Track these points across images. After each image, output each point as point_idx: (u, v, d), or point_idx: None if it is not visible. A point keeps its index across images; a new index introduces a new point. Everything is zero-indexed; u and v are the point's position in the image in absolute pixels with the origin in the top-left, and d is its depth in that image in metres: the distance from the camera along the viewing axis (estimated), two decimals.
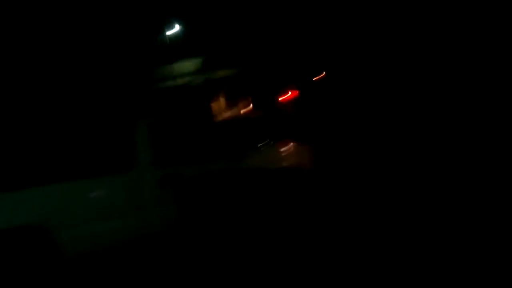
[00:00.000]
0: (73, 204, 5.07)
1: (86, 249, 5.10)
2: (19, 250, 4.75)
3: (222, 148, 6.08)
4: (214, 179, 5.79)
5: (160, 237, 5.50)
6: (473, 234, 4.72)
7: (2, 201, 4.76)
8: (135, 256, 5.47)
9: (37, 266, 4.81)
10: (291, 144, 6.87)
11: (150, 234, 5.44)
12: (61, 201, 5.02)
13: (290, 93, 26.21)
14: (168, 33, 27.47)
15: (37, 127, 5.37)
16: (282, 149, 6.79)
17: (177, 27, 27.70)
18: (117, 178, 5.37)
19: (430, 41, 14.12)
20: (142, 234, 5.40)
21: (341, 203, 6.75)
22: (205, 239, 5.64)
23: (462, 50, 12.92)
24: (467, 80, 11.70)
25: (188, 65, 31.30)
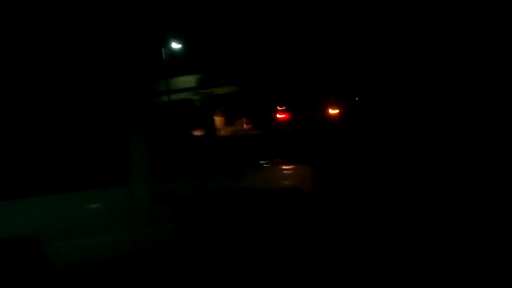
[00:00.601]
0: (65, 216, 4.92)
1: (76, 262, 4.93)
2: (9, 261, 4.56)
3: (219, 165, 5.94)
4: (209, 197, 5.64)
5: (154, 253, 5.34)
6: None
7: None
8: (128, 272, 5.32)
9: (26, 277, 4.62)
10: (290, 163, 6.74)
11: (144, 250, 5.26)
12: (52, 213, 4.86)
13: (286, 113, 26.28)
14: (167, 48, 27.59)
15: (31, 137, 5.23)
16: (281, 169, 6.65)
17: (176, 43, 27.82)
18: (111, 191, 5.22)
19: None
20: (136, 250, 5.22)
21: (340, 224, 6.67)
22: (200, 256, 5.50)
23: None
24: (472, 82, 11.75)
25: (187, 80, 31.39)
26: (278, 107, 27.24)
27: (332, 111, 24.32)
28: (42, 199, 4.85)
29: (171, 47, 28.34)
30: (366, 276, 4.68)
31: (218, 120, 33.39)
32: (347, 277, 4.74)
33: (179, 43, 28.30)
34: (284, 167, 6.68)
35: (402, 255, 5.10)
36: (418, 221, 6.31)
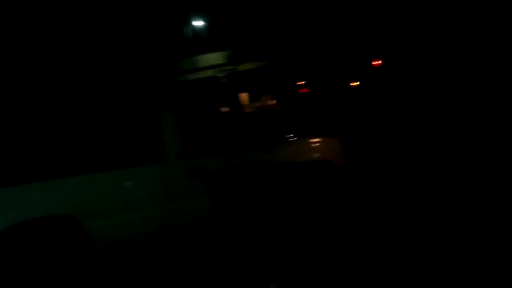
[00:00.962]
0: (104, 194, 5.13)
1: (115, 239, 5.16)
2: (52, 240, 4.82)
3: (249, 140, 6.07)
4: (240, 171, 5.80)
5: (191, 227, 5.55)
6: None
7: (38, 190, 4.85)
8: (164, 247, 5.55)
9: (68, 254, 4.88)
10: (317, 137, 6.82)
11: (181, 224, 5.47)
12: (93, 191, 5.09)
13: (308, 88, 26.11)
14: (196, 25, 27.62)
15: (71, 118, 5.43)
16: (309, 142, 6.74)
17: (205, 20, 27.81)
18: (147, 168, 5.41)
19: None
20: (173, 224, 5.44)
21: (368, 196, 6.73)
22: (235, 230, 5.68)
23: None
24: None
25: (215, 57, 31.37)
26: (300, 82, 27.18)
27: (353, 84, 24.11)
28: (83, 178, 5.08)
29: (196, 25, 28.40)
30: (392, 248, 4.76)
31: (243, 96, 33.39)
32: (374, 247, 4.84)
33: (203, 21, 28.32)
34: (312, 140, 6.76)
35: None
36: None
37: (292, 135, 6.86)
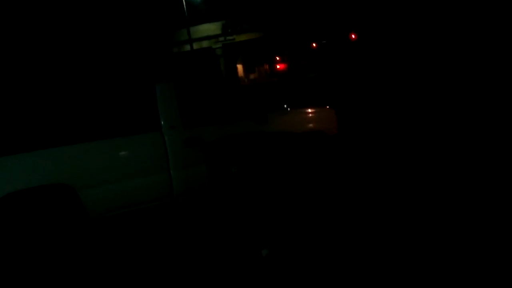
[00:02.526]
0: (100, 163, 5.16)
1: (112, 207, 5.22)
2: (48, 207, 4.87)
3: (244, 111, 6.09)
4: (234, 140, 5.83)
5: (187, 196, 5.60)
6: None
7: (33, 159, 4.88)
8: (159, 216, 5.62)
9: (64, 221, 4.95)
10: (314, 107, 6.85)
11: (177, 193, 5.52)
12: (88, 160, 5.12)
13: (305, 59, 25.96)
14: None
15: (67, 88, 5.42)
16: (304, 112, 6.76)
17: None
18: (143, 137, 5.44)
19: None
20: (169, 193, 5.49)
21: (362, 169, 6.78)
22: (229, 198, 5.74)
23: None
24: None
25: (210, 28, 31.02)
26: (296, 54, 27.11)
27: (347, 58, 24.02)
28: (78, 147, 5.10)
29: None
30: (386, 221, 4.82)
31: (239, 67, 33.26)
32: (367, 220, 4.90)
33: None
34: (307, 110, 6.79)
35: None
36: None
37: (286, 105, 6.88)
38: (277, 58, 30.46)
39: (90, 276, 4.30)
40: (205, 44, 34.55)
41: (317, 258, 4.14)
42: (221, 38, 34.76)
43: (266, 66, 35.25)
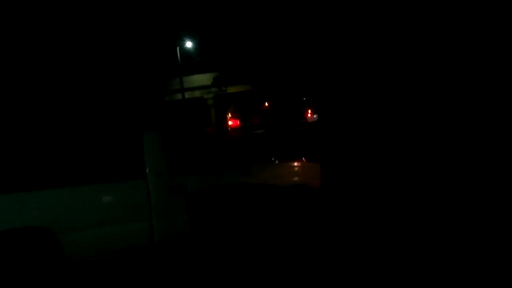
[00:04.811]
0: (81, 208, 5.16)
1: (91, 253, 5.17)
2: (26, 250, 4.82)
3: (230, 161, 6.17)
4: (218, 191, 5.88)
5: (168, 244, 5.57)
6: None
7: (15, 200, 4.87)
8: (142, 262, 5.57)
9: (41, 266, 4.89)
10: (298, 161, 6.94)
11: (158, 241, 5.50)
12: (69, 205, 5.11)
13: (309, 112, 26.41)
14: (183, 46, 27.89)
15: (52, 132, 5.49)
16: (289, 165, 6.86)
17: (191, 42, 28.10)
18: (127, 185, 5.46)
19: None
20: (151, 241, 5.46)
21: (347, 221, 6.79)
22: (209, 249, 5.73)
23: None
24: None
25: (200, 79, 31.54)
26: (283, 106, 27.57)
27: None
28: (60, 191, 5.11)
29: (185, 46, 28.74)
30: (368, 274, 4.82)
31: (230, 118, 33.55)
32: (350, 274, 4.88)
33: (193, 43, 28.68)
34: (292, 164, 6.88)
35: (404, 254, 5.24)
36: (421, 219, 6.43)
37: (272, 158, 6.98)
38: (266, 109, 30.90)
39: None
40: (196, 94, 35.06)
41: None
42: (213, 89, 35.36)
43: (256, 118, 35.75)
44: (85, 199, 5.22)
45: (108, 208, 5.34)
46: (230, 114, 25.53)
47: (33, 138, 5.31)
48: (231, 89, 34.20)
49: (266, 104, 26.82)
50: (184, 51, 29.09)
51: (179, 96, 30.54)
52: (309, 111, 30.98)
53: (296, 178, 6.71)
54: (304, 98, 28.34)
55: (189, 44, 28.89)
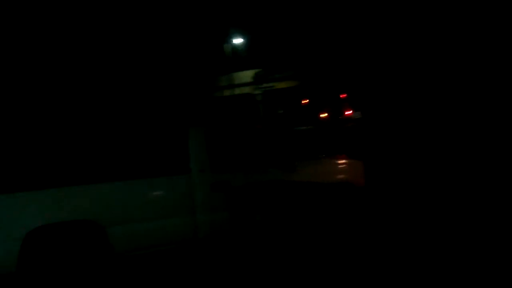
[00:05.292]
0: (128, 202, 5.33)
1: (136, 246, 5.33)
2: (76, 242, 5.04)
3: (273, 158, 6.19)
4: (261, 188, 5.92)
5: (211, 240, 5.67)
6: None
7: (66, 194, 5.09)
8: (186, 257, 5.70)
9: (90, 257, 5.09)
10: (343, 158, 6.89)
11: (202, 236, 5.61)
12: (116, 199, 5.29)
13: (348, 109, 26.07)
14: (230, 43, 28.11)
15: (102, 129, 5.67)
16: (333, 163, 6.82)
17: (235, 38, 28.28)
18: (172, 180, 5.60)
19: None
20: (194, 236, 5.59)
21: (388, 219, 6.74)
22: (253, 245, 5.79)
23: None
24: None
25: (249, 75, 31.72)
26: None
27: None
28: (109, 185, 5.30)
29: (234, 42, 28.93)
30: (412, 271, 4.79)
31: (275, 113, 33.59)
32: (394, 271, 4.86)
33: (242, 38, 28.84)
34: (336, 161, 6.84)
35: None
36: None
37: (319, 154, 6.97)
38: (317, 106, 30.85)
39: None
40: (246, 90, 35.33)
41: None
42: (262, 85, 35.49)
43: (302, 114, 35.82)
44: (132, 194, 5.39)
45: (154, 202, 5.49)
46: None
47: (85, 134, 5.51)
48: (279, 85, 34.25)
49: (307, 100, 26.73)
50: (234, 47, 29.31)
51: (228, 92, 30.88)
52: (349, 109, 30.77)
53: (340, 176, 6.67)
54: (343, 96, 28.10)
55: (238, 40, 29.07)
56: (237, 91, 32.13)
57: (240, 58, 29.67)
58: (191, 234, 5.59)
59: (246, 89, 36.27)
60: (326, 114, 32.50)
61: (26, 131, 5.42)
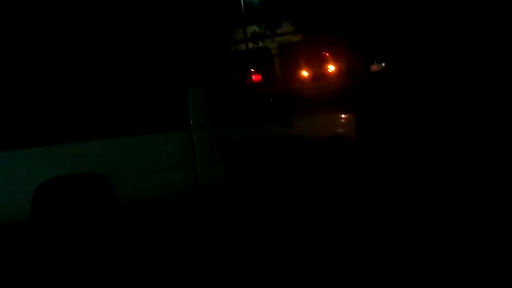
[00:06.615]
0: (131, 156, 5.71)
1: (140, 197, 5.74)
2: (84, 193, 5.49)
3: (270, 113, 6.44)
4: (253, 142, 6.21)
5: (211, 191, 6.06)
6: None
7: (74, 149, 5.48)
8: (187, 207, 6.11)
9: (96, 208, 5.54)
10: (340, 112, 7.10)
11: (202, 187, 6.01)
12: (120, 153, 5.67)
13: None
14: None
15: (106, 88, 5.95)
16: (328, 117, 7.03)
17: None
18: (173, 135, 5.95)
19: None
20: (195, 187, 5.99)
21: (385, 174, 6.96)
22: (244, 197, 6.14)
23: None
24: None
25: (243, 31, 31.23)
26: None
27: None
28: (114, 141, 5.66)
29: None
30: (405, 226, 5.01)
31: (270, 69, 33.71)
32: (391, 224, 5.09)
33: None
34: (332, 115, 7.06)
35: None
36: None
37: (315, 109, 7.18)
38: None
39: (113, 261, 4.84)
40: (260, 43, 35.20)
41: (321, 258, 4.40)
42: (277, 38, 35.25)
43: (299, 69, 35.88)
44: (136, 149, 5.75)
45: (155, 157, 5.85)
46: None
47: (92, 94, 5.82)
48: (294, 39, 33.95)
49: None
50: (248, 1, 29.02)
51: (243, 46, 30.74)
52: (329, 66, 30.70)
53: (337, 130, 6.90)
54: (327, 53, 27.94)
55: None
56: (251, 45, 32.05)
57: (255, 10, 29.38)
58: (192, 186, 5.97)
59: (261, 43, 36.10)
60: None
61: (38, 91, 5.73)
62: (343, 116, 7.02)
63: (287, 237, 4.92)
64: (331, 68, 33.72)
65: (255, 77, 26.63)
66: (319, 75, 33.26)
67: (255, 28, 31.36)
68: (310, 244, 4.72)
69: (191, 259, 4.62)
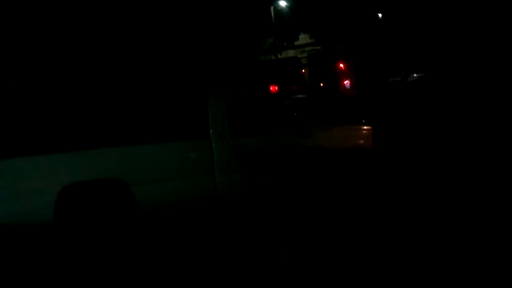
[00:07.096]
0: (152, 163, 5.87)
1: (159, 203, 5.90)
2: (105, 198, 5.64)
3: (289, 123, 6.54)
4: (269, 152, 6.31)
5: (229, 199, 6.18)
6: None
7: (97, 155, 5.66)
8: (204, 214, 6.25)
9: (117, 212, 5.67)
10: (359, 124, 7.15)
11: (220, 195, 6.13)
12: (142, 161, 5.84)
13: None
14: (277, 7, 28.01)
15: (131, 97, 6.16)
16: (349, 129, 7.09)
17: (284, 1, 28.11)
18: (193, 143, 6.11)
19: None
20: (213, 195, 6.11)
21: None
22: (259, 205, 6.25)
23: None
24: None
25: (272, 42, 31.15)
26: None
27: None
28: (135, 148, 5.83)
29: (279, 5, 28.80)
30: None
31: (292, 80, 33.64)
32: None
33: (286, 2, 28.66)
34: (351, 127, 7.11)
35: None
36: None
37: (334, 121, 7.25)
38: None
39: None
40: (290, 53, 35.31)
41: (334, 269, 4.40)
42: (306, 48, 35.32)
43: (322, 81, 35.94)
44: (156, 156, 5.92)
45: (175, 164, 6.00)
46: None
47: (116, 103, 6.03)
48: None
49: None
50: (278, 11, 29.17)
51: (243, 60, 30.59)
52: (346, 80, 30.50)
53: (355, 141, 6.95)
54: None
55: (283, 3, 28.90)
56: (284, 54, 32.08)
57: (285, 22, 29.50)
58: (210, 193, 6.10)
59: (292, 53, 36.18)
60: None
61: (65, 100, 5.97)
62: (364, 128, 7.06)
63: (300, 246, 4.98)
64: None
65: (271, 88, 26.75)
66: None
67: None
68: (322, 254, 4.77)
69: (206, 266, 4.72)
